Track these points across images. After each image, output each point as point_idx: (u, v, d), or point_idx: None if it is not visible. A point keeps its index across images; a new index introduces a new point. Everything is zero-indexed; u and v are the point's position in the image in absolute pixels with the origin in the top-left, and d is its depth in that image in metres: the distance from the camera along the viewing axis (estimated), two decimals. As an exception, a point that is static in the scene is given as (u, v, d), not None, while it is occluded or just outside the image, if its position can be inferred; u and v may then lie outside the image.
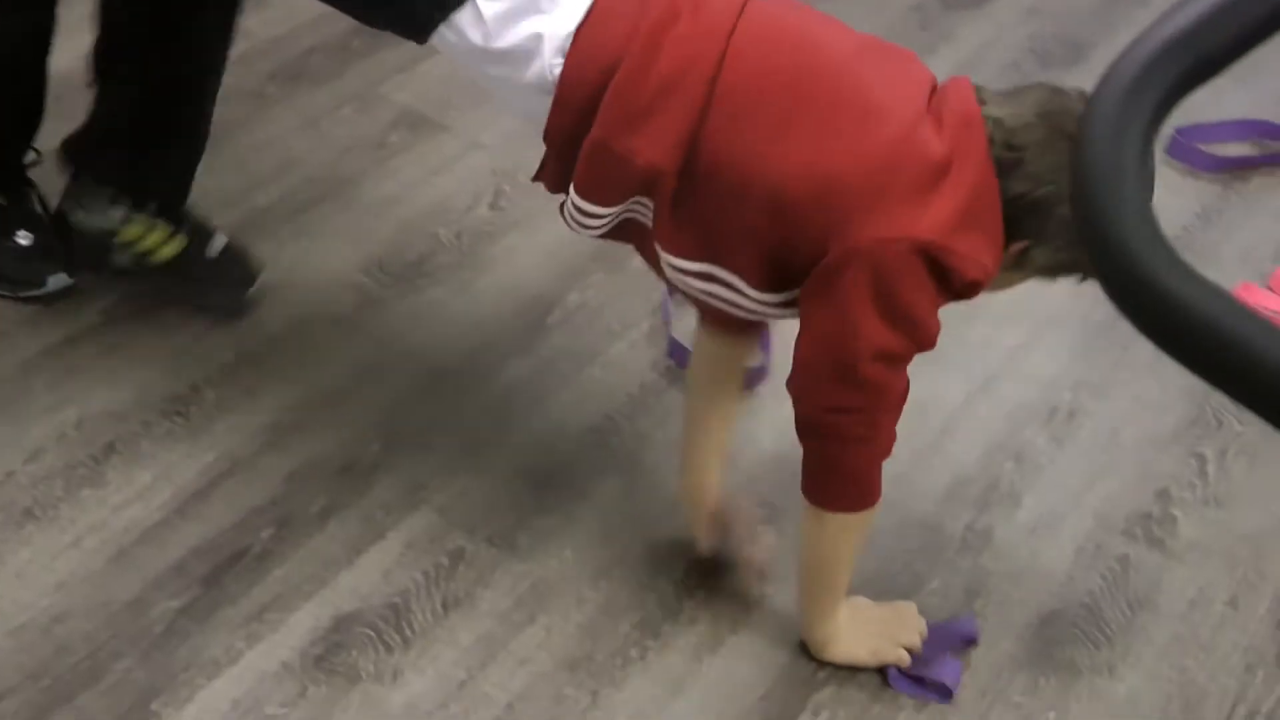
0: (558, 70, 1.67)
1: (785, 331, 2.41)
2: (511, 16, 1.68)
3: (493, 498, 2.12)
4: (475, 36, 1.69)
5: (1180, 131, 2.89)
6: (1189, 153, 2.86)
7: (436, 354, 2.34)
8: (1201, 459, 2.29)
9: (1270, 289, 2.60)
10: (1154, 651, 2.02)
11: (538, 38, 1.67)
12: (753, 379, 2.33)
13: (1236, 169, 2.89)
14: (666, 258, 1.77)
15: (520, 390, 2.30)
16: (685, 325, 2.42)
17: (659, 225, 1.74)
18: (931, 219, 1.64)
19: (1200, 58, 0.73)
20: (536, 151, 2.70)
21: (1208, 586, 2.11)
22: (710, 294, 1.79)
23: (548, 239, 2.57)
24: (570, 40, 1.66)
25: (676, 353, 2.38)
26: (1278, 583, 2.12)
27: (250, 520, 2.05)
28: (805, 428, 1.77)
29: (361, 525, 2.06)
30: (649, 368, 2.37)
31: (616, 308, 2.47)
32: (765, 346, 2.37)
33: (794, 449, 1.97)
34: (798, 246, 1.67)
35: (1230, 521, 2.21)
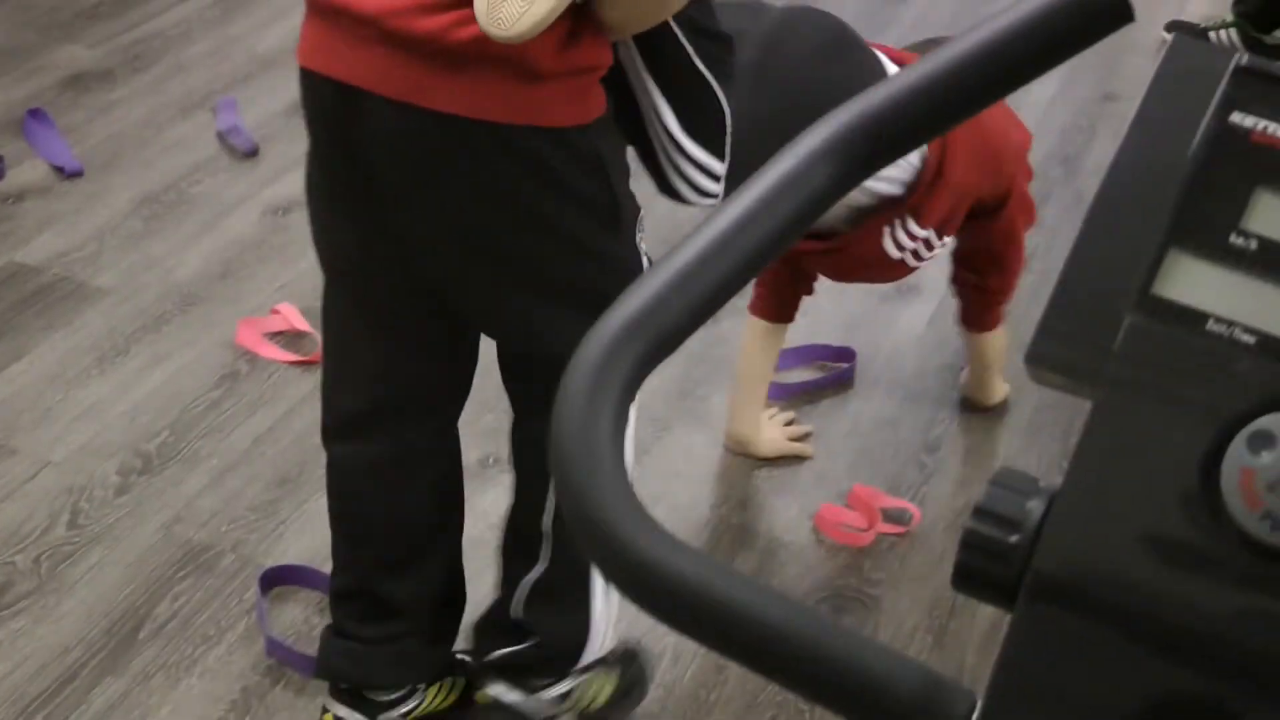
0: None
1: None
2: None
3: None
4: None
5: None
6: (759, 384, 2.97)
7: (22, 688, 2.23)
8: None
9: (849, 506, 2.69)
10: None
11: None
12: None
13: (805, 392, 3.00)
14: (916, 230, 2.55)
15: (115, 714, 2.20)
16: (280, 622, 2.38)
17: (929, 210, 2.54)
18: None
19: (660, 334, 0.76)
20: (113, 463, 2.65)
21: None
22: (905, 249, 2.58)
23: (132, 550, 2.49)
24: None
25: (276, 650, 2.32)
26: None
27: None
28: (1006, 291, 2.81)
29: None
30: (250, 669, 2.30)
31: (209, 612, 2.40)
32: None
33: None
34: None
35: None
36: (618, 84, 1.91)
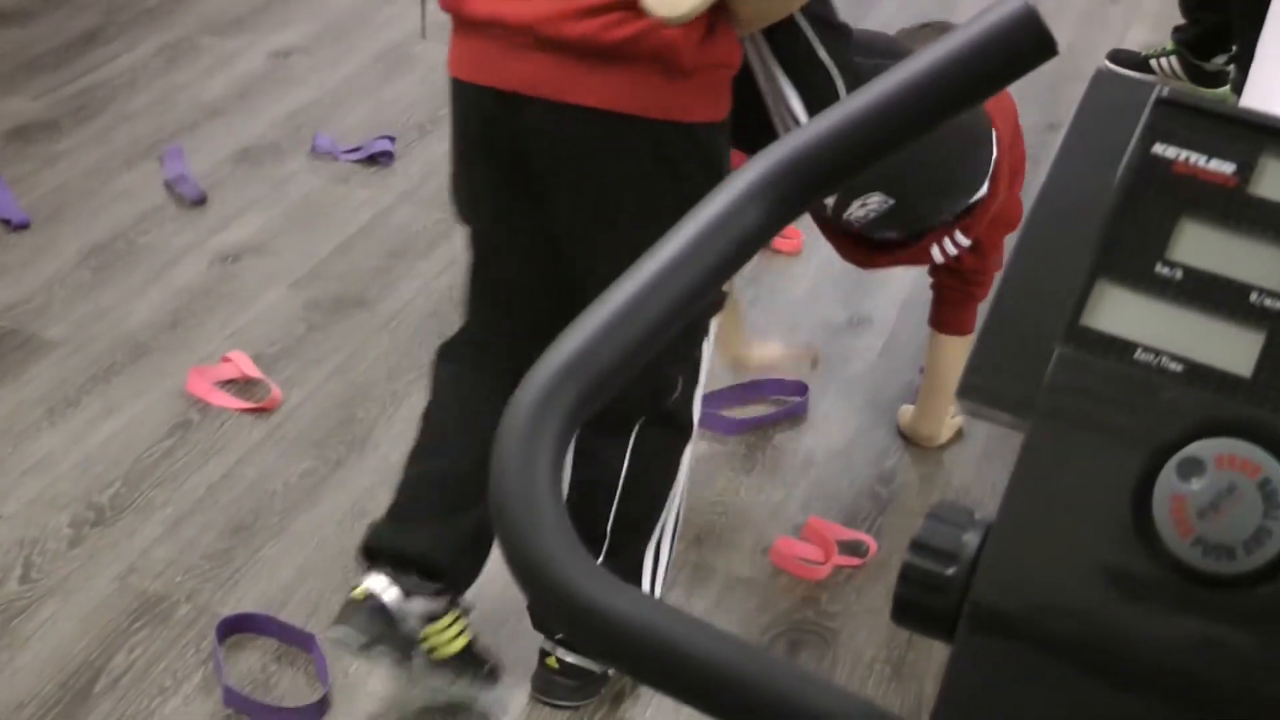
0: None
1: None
2: None
3: None
4: None
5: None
6: (712, 420, 2.96)
7: (-25, 746, 2.22)
8: None
9: (805, 539, 2.70)
10: None
11: None
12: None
13: (759, 426, 3.01)
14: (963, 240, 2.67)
15: (70, 769, 2.19)
16: (237, 671, 2.37)
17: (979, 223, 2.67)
18: None
19: (597, 375, 0.76)
20: (66, 515, 2.63)
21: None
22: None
23: (86, 603, 2.48)
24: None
25: (234, 700, 2.30)
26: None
27: None
28: (983, 285, 2.76)
29: None
30: (207, 720, 2.30)
31: (165, 663, 2.39)
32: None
33: None
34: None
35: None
36: (741, 76, 2.08)
